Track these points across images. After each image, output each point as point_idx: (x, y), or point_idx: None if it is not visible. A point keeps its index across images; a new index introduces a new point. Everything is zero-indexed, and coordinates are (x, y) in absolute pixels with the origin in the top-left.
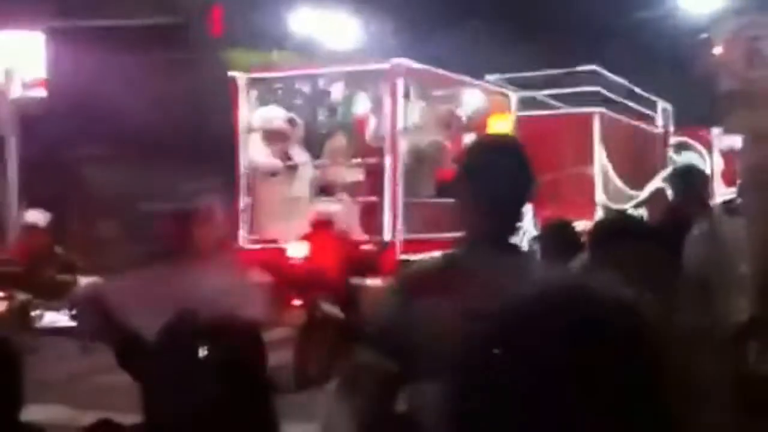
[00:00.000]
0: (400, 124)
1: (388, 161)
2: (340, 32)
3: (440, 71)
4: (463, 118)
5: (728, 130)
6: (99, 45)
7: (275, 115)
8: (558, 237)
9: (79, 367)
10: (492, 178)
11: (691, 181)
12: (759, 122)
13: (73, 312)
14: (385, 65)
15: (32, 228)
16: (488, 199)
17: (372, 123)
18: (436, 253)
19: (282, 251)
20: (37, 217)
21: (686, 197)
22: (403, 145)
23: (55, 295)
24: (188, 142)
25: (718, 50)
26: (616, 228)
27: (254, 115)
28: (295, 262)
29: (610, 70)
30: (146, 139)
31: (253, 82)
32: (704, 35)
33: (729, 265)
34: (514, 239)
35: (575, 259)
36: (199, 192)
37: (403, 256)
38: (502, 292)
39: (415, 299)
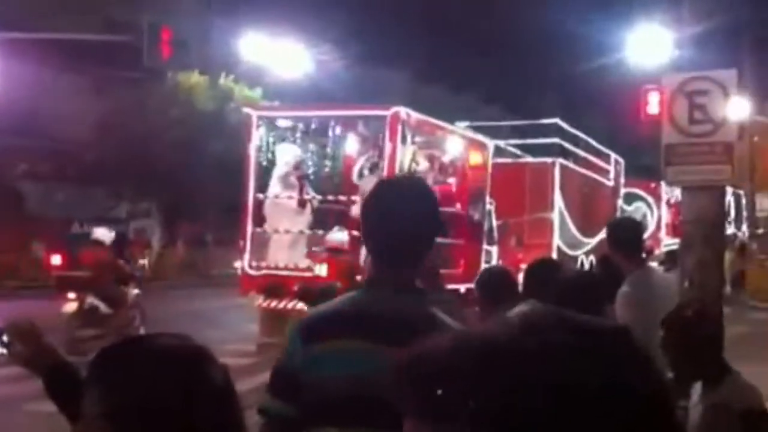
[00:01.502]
0: (396, 166)
1: None
2: (289, 61)
3: (430, 119)
4: (446, 162)
5: (669, 183)
6: (45, 59)
7: (295, 153)
8: (494, 283)
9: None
10: (385, 217)
11: (623, 233)
12: (696, 176)
13: (5, 339)
14: (387, 111)
15: (98, 243)
16: (380, 238)
17: (360, 162)
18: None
19: (287, 277)
20: (102, 234)
21: (619, 249)
22: None
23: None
24: (132, 163)
25: (660, 104)
26: (546, 276)
27: (274, 150)
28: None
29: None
30: (88, 158)
31: (263, 119)
32: (649, 88)
33: (656, 321)
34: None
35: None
36: (134, 216)
37: None
38: (392, 337)
39: (313, 344)
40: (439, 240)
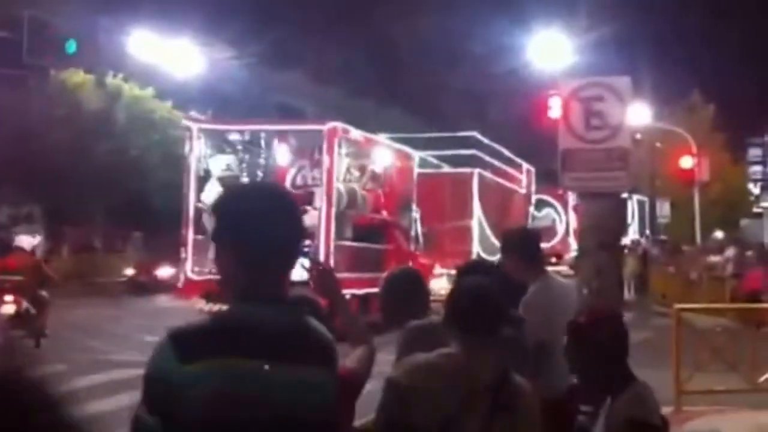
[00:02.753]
0: (334, 176)
1: (324, 208)
2: (182, 60)
3: (362, 132)
4: (376, 172)
5: (565, 188)
6: None
7: (231, 163)
8: (402, 282)
9: None
10: (252, 227)
11: (521, 243)
12: (592, 183)
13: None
14: (324, 126)
15: (22, 249)
16: (248, 249)
17: (291, 172)
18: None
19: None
20: (25, 240)
21: (519, 258)
22: (335, 194)
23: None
24: (12, 165)
25: (559, 109)
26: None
27: (211, 161)
28: None
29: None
30: None
31: (202, 131)
32: (551, 93)
33: (557, 328)
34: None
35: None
36: (16, 220)
37: None
38: (273, 352)
39: (190, 362)
40: (367, 245)
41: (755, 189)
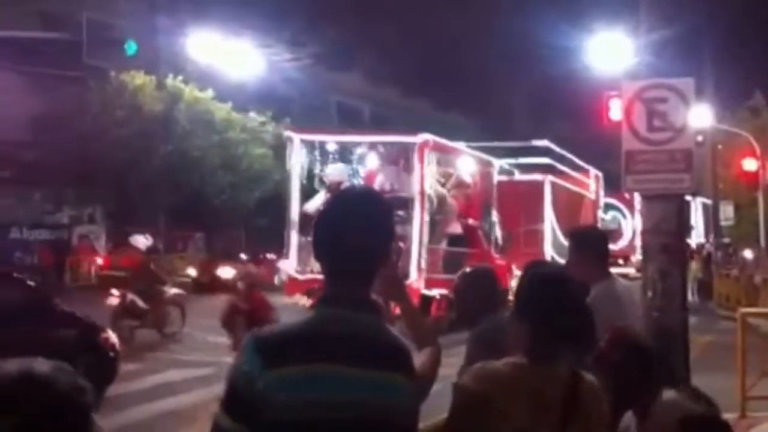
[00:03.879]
0: (426, 185)
1: (416, 215)
2: (240, 61)
3: (449, 142)
4: (461, 180)
5: (627, 189)
6: None
7: (342, 171)
8: (476, 281)
9: None
10: (339, 233)
11: (590, 244)
12: (655, 185)
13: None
14: (416, 138)
15: (135, 248)
16: (335, 255)
17: (379, 178)
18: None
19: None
20: (139, 240)
21: (585, 259)
22: (426, 202)
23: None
24: (73, 166)
25: (621, 110)
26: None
27: (326, 170)
28: None
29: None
30: (25, 159)
31: (303, 142)
32: (611, 94)
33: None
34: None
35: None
36: (78, 221)
37: (424, 291)
38: (362, 359)
39: (277, 368)
40: (454, 249)
41: None
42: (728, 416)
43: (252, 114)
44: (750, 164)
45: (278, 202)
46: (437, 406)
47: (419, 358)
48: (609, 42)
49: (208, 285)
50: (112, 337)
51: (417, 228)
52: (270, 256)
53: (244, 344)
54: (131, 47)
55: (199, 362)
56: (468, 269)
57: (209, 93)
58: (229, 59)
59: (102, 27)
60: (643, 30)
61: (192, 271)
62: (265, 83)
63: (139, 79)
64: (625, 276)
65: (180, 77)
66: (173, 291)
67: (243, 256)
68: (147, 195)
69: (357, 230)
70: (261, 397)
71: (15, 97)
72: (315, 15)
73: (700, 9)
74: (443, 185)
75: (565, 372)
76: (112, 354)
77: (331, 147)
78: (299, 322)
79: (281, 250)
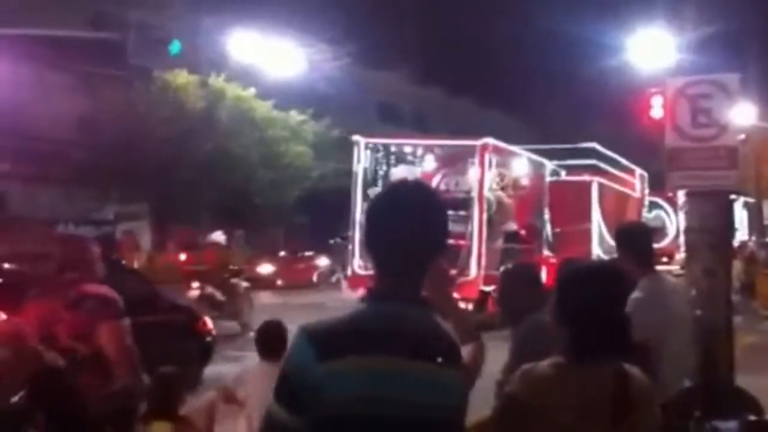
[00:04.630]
0: (486, 187)
1: (476, 215)
2: (282, 60)
3: (506, 145)
4: (516, 180)
5: (671, 187)
6: (27, 56)
7: (408, 172)
8: (518, 278)
9: None
10: (391, 226)
11: (634, 240)
12: (700, 182)
13: None
14: (478, 142)
15: (215, 244)
16: (387, 248)
17: (436, 178)
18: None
19: None
20: (219, 236)
21: (630, 256)
22: (485, 203)
23: (226, 292)
24: (119, 163)
25: (663, 108)
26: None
27: (392, 171)
28: None
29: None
30: (72, 157)
31: (368, 145)
32: (653, 92)
33: (667, 328)
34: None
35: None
36: (123, 218)
37: (483, 287)
38: (418, 353)
39: (330, 360)
40: (509, 245)
41: None
42: None
43: (293, 112)
44: None
45: (317, 200)
46: (479, 400)
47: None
48: (649, 39)
49: (248, 281)
50: (210, 323)
51: (477, 227)
52: (308, 253)
53: (295, 336)
54: (175, 47)
55: (238, 357)
56: (510, 266)
57: (251, 91)
58: (270, 58)
59: (147, 27)
60: (688, 27)
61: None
62: (306, 82)
63: (182, 78)
64: (669, 273)
65: (222, 76)
66: (245, 284)
67: (282, 253)
68: (190, 192)
69: (409, 222)
70: (314, 390)
71: (61, 96)
72: (356, 14)
73: (747, 6)
74: (500, 185)
75: (611, 370)
76: (209, 339)
77: (395, 150)
78: (351, 315)
79: (319, 247)
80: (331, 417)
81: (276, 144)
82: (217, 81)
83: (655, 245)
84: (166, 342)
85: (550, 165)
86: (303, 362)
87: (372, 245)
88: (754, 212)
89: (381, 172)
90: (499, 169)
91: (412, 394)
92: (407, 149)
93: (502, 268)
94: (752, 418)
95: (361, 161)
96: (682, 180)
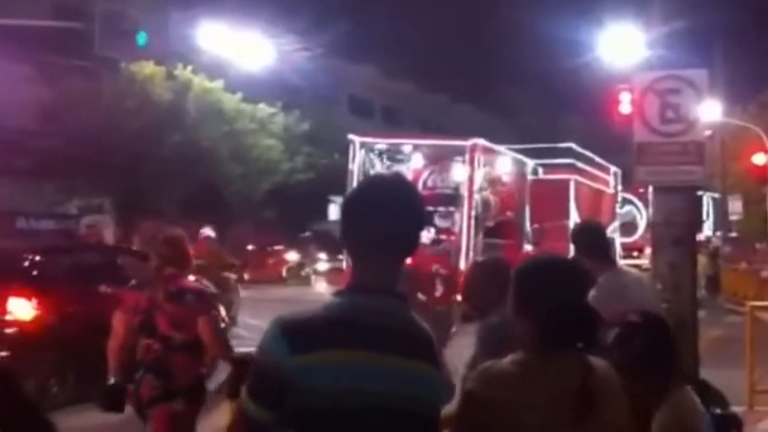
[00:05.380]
0: (474, 185)
1: (465, 211)
2: (251, 52)
3: (492, 145)
4: (502, 178)
5: (638, 182)
6: None
7: (402, 171)
8: (485, 272)
9: None
10: (368, 218)
11: (587, 238)
12: (667, 177)
13: None
14: (468, 142)
15: (208, 238)
16: (364, 241)
17: (424, 175)
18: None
19: None
20: (209, 231)
21: (585, 254)
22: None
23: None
24: (83, 156)
25: (632, 103)
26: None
27: (368, 168)
28: None
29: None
30: (35, 149)
31: (363, 144)
32: (622, 87)
33: None
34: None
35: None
36: (87, 211)
37: None
38: (393, 346)
39: (304, 353)
40: (492, 240)
41: None
42: (736, 409)
43: (262, 105)
44: (759, 158)
45: (287, 194)
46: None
47: None
48: (619, 35)
49: None
50: (222, 310)
51: (466, 223)
52: (277, 248)
53: (268, 329)
54: (142, 38)
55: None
56: (479, 259)
57: (219, 83)
58: (240, 50)
59: (114, 17)
60: (656, 22)
61: (201, 262)
62: (276, 74)
63: (149, 69)
64: (638, 267)
65: (190, 67)
66: (234, 277)
67: (251, 247)
68: (156, 185)
69: (385, 216)
70: (288, 383)
71: (25, 87)
72: (328, 7)
73: (713, 2)
74: (487, 183)
75: (575, 363)
76: (222, 324)
77: (387, 148)
78: (326, 307)
79: (289, 241)
80: (305, 410)
81: (244, 137)
82: (184, 72)
83: (627, 240)
84: None
85: (531, 163)
86: (277, 355)
87: (348, 239)
88: (719, 208)
89: (373, 171)
90: (486, 168)
91: (387, 388)
92: (398, 148)
93: (471, 261)
94: (717, 411)
95: (357, 159)
96: (650, 175)
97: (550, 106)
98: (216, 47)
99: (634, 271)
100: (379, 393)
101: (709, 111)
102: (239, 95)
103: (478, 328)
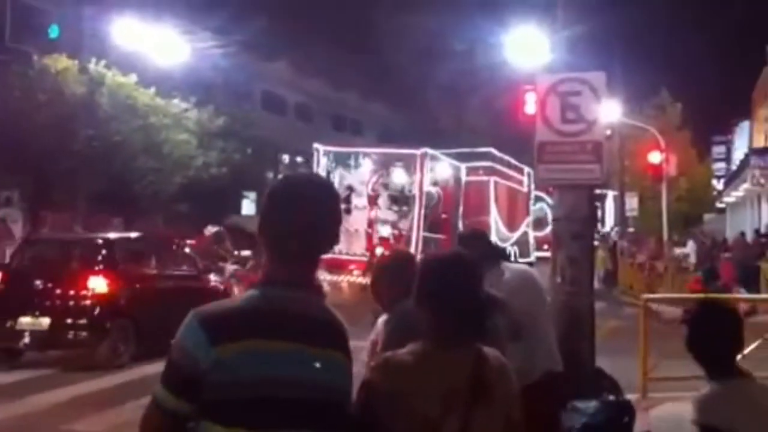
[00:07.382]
0: (424, 187)
1: (416, 210)
2: (165, 48)
3: (437, 153)
4: (442, 181)
5: (539, 180)
6: None
7: (340, 175)
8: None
9: None
10: (283, 213)
11: (471, 242)
12: (566, 175)
13: None
14: (418, 151)
15: (204, 234)
16: (278, 235)
17: (373, 179)
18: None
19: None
20: (208, 228)
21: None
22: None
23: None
24: None
25: (536, 103)
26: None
27: (331, 173)
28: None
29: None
30: None
31: (325, 152)
32: (527, 88)
33: (532, 314)
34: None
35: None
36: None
37: None
38: (308, 336)
39: (222, 344)
40: (431, 235)
41: (719, 185)
42: (630, 396)
43: (175, 101)
44: (655, 157)
45: (200, 188)
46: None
47: None
48: (526, 37)
49: None
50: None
51: (416, 221)
52: (188, 242)
53: (186, 321)
54: (54, 31)
55: None
56: (386, 253)
57: (132, 78)
58: (154, 46)
59: (26, 10)
60: (558, 26)
61: None
62: (190, 70)
63: (62, 63)
64: (546, 259)
65: (103, 62)
66: (232, 268)
67: None
68: (68, 179)
69: (301, 212)
70: (205, 374)
71: None
72: (243, 5)
73: (613, 8)
74: (434, 185)
75: (469, 353)
76: None
77: (342, 155)
78: (243, 300)
79: (199, 235)
80: (223, 401)
81: (158, 132)
82: (97, 67)
83: (538, 234)
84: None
85: (463, 167)
86: (194, 347)
87: (265, 233)
88: (617, 204)
89: (333, 176)
90: (432, 173)
91: (305, 377)
92: (352, 156)
93: (378, 255)
94: (611, 397)
95: (320, 166)
96: (551, 173)
97: (462, 105)
98: (130, 42)
99: (517, 266)
100: (297, 382)
101: (609, 112)
102: (153, 90)
103: (382, 320)
